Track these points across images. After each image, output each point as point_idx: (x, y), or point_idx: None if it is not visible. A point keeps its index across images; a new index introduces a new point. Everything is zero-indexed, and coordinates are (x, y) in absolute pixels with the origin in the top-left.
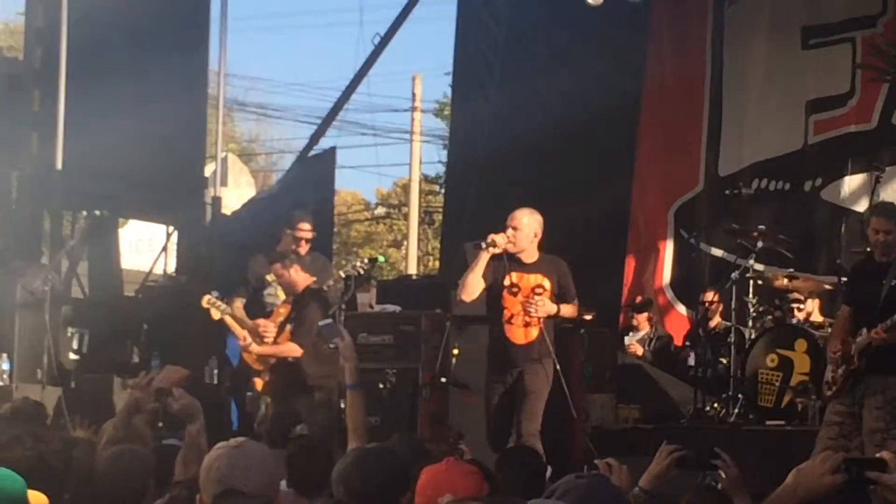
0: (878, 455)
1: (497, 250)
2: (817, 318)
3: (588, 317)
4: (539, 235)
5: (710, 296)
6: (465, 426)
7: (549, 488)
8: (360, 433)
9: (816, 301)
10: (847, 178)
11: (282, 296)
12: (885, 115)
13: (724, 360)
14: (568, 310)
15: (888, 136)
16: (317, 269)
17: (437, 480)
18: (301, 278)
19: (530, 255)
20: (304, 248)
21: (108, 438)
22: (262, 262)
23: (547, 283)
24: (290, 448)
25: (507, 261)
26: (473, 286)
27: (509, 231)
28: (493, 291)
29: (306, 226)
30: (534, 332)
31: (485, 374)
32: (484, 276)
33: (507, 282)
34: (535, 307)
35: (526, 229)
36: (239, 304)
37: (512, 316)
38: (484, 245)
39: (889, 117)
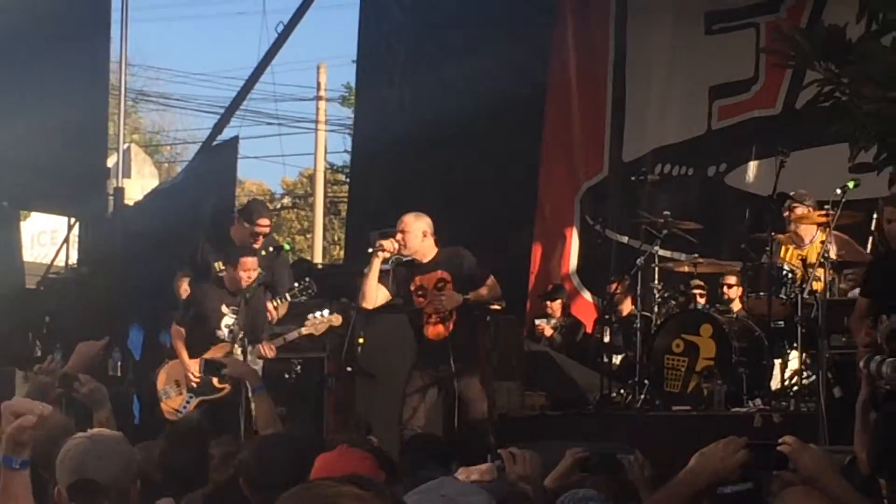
0: (780, 440)
1: (386, 254)
2: (737, 304)
3: (496, 306)
4: (429, 234)
5: (615, 286)
6: (372, 415)
7: None
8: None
9: (740, 288)
10: (751, 164)
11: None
12: (788, 99)
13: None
14: (482, 292)
15: (792, 120)
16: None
17: (331, 467)
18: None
19: (425, 254)
20: (259, 243)
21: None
22: (210, 244)
23: (448, 276)
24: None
25: (408, 267)
26: (372, 293)
27: (398, 235)
28: (406, 300)
29: (265, 221)
30: (450, 327)
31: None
32: (387, 286)
33: (412, 287)
34: (441, 302)
35: (413, 230)
36: (185, 285)
37: (429, 316)
38: (371, 250)
39: (793, 102)
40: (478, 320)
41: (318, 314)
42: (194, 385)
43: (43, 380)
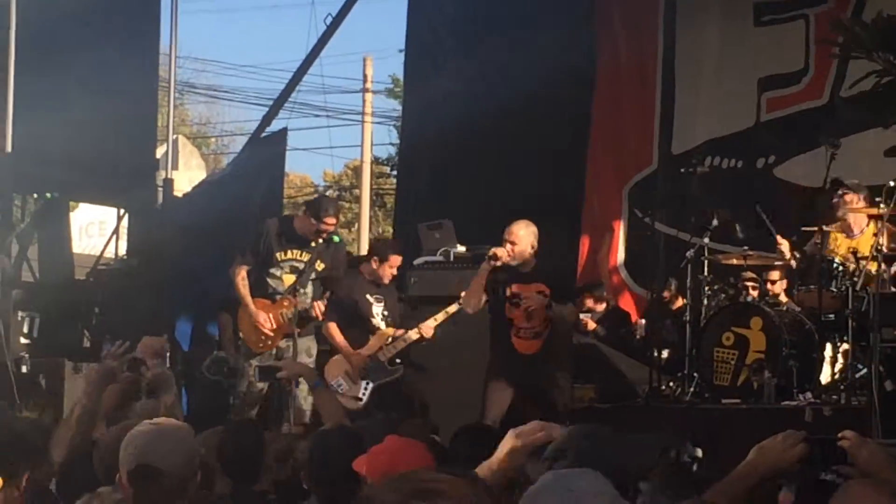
0: (839, 435)
1: (499, 263)
2: (783, 297)
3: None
4: (535, 245)
5: (667, 293)
6: (430, 410)
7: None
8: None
9: (785, 281)
10: (801, 156)
11: (287, 281)
12: (835, 89)
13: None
14: (569, 310)
15: (838, 109)
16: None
17: (381, 457)
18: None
19: (528, 263)
20: (322, 239)
21: (81, 411)
22: (278, 234)
23: (546, 289)
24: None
25: (507, 272)
26: (476, 299)
27: (507, 245)
28: (496, 306)
29: (333, 220)
30: (538, 344)
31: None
32: (485, 290)
33: (508, 293)
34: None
35: (523, 240)
36: (244, 273)
37: (519, 329)
38: (486, 259)
39: (838, 91)
40: (566, 334)
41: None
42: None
43: (111, 364)
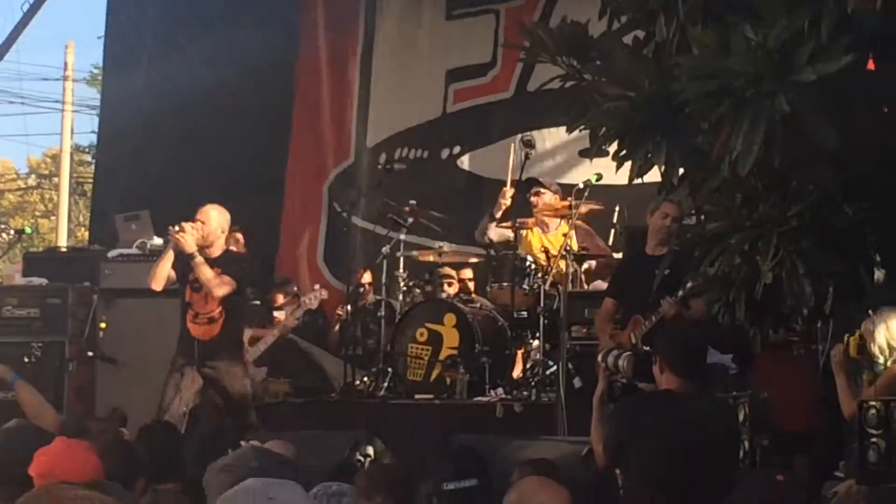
0: None
1: (184, 237)
2: (470, 292)
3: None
4: (225, 232)
5: (364, 276)
6: (113, 399)
7: None
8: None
9: (470, 271)
10: (485, 148)
11: None
12: (521, 83)
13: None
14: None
15: (524, 103)
16: None
17: (52, 456)
18: None
19: (215, 250)
20: None
21: None
22: None
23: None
24: None
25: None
26: (162, 275)
27: (197, 223)
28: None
29: None
30: (216, 329)
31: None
32: (174, 268)
33: (191, 277)
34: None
35: (213, 223)
36: None
37: (196, 315)
38: (173, 229)
39: (525, 85)
40: (242, 313)
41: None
42: None
43: None
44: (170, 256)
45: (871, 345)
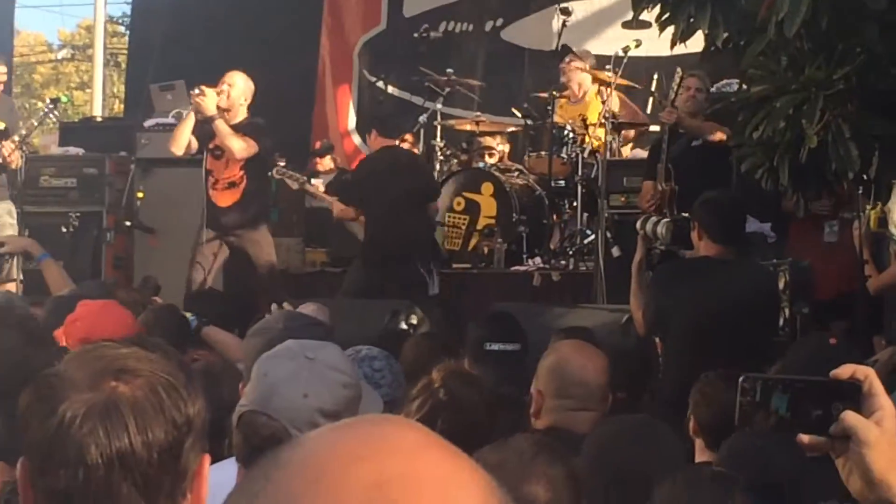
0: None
1: (204, 99)
2: (505, 161)
3: (281, 163)
4: (248, 100)
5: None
6: (150, 269)
7: None
8: None
9: (508, 145)
10: (527, 18)
11: None
12: None
13: None
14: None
15: None
16: (4, 111)
17: (88, 322)
18: None
19: (236, 116)
20: None
21: None
22: None
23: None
24: None
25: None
26: (183, 139)
27: (223, 86)
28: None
29: (3, 69)
30: (238, 194)
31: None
32: (195, 135)
33: (211, 145)
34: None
35: (237, 88)
36: None
37: (216, 181)
38: (193, 94)
39: None
40: (265, 180)
41: None
42: None
43: None
44: (190, 120)
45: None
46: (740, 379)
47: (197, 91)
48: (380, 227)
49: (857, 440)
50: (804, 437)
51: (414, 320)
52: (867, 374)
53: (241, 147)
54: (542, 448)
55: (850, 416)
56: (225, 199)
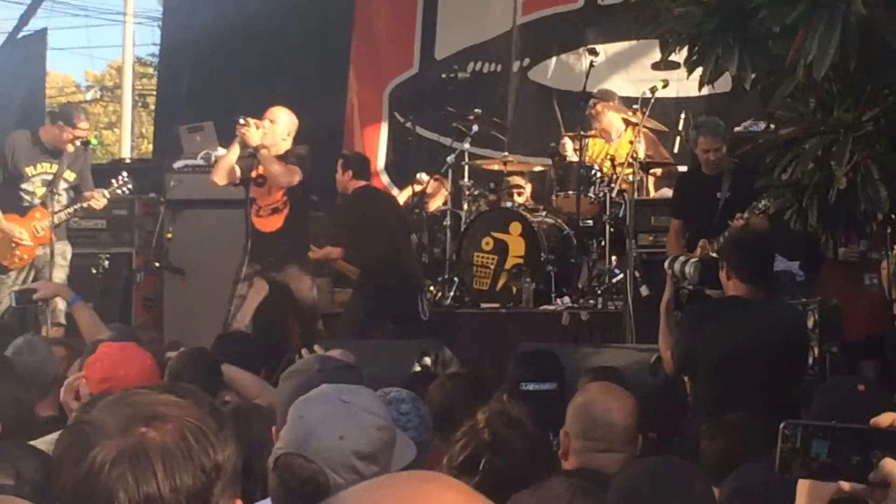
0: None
1: (248, 130)
2: (528, 201)
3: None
4: (292, 134)
5: (425, 179)
6: (180, 310)
7: None
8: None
9: (530, 185)
10: (554, 59)
11: (39, 193)
12: None
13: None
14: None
15: (594, 15)
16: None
17: (108, 360)
18: None
19: (280, 150)
20: (71, 148)
21: None
22: (26, 148)
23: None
24: None
25: (255, 156)
26: (226, 168)
27: (266, 122)
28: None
29: (86, 125)
30: (280, 220)
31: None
32: (238, 165)
33: (253, 174)
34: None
35: (280, 124)
36: None
37: (260, 208)
38: (237, 126)
39: None
40: (307, 211)
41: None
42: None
43: None
44: (235, 151)
45: None
46: (781, 426)
47: (242, 122)
48: (379, 262)
49: None
50: (845, 485)
51: (440, 360)
52: None
53: (284, 173)
54: (578, 491)
55: (890, 464)
56: (269, 224)
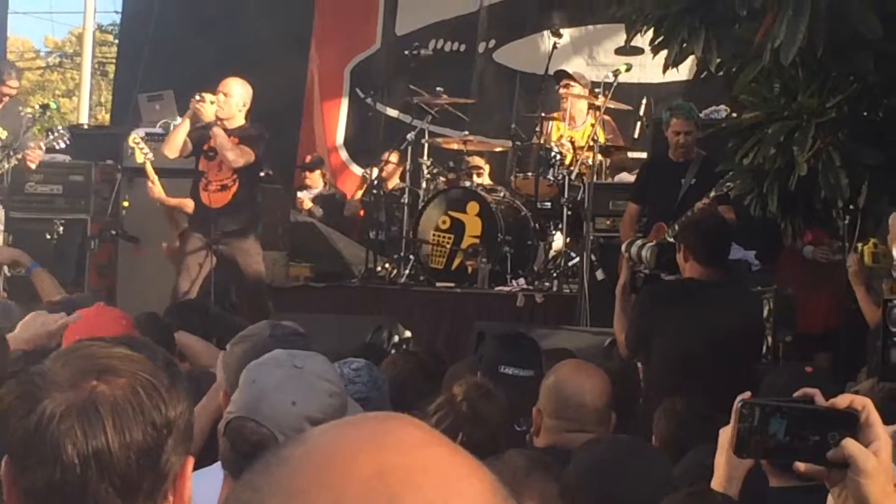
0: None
1: (203, 106)
2: (487, 181)
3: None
4: (247, 106)
5: (389, 156)
6: (133, 278)
7: None
8: None
9: (489, 166)
10: (519, 41)
11: None
12: None
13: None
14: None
15: None
16: (12, 117)
17: (86, 324)
18: None
19: (233, 122)
20: (3, 103)
21: None
22: None
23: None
24: None
25: (207, 129)
26: (177, 142)
27: (220, 96)
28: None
29: (16, 83)
30: (228, 196)
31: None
32: (189, 138)
33: (204, 147)
34: (228, 158)
35: (235, 96)
36: None
37: (209, 182)
38: (194, 98)
39: None
40: (256, 189)
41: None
42: None
43: None
44: (186, 125)
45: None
46: (738, 404)
47: (198, 97)
48: None
49: (856, 469)
50: (800, 465)
51: (396, 338)
52: (865, 405)
53: (236, 156)
54: (536, 465)
55: (851, 445)
56: (216, 200)
